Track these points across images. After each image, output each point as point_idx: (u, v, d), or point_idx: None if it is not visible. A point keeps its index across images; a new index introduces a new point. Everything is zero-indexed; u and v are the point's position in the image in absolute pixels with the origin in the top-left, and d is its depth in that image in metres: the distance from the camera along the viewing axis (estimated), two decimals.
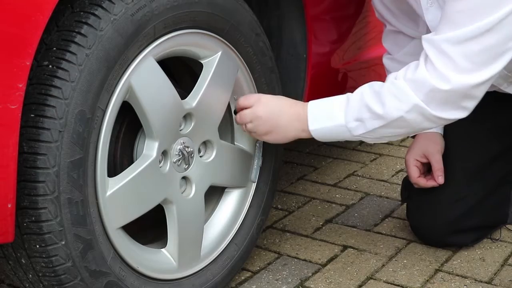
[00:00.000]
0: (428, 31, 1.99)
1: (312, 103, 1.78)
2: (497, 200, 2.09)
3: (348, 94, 1.76)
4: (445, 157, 2.04)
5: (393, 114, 1.68)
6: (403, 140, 2.87)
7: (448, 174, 2.03)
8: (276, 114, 1.77)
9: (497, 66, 1.63)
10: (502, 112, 2.07)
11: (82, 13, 1.44)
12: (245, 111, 1.78)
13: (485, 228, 2.11)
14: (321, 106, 1.77)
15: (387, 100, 1.68)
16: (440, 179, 2.01)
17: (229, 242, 1.86)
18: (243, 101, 1.79)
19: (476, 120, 2.05)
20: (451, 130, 2.07)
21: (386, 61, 2.13)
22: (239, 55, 1.77)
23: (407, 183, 2.15)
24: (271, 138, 1.80)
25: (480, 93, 1.67)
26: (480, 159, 2.05)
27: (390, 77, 1.72)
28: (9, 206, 1.35)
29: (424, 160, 2.04)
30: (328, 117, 1.75)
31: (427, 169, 2.06)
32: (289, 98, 1.82)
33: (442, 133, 2.07)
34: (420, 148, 2.05)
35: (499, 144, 2.06)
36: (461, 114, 1.70)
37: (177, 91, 1.64)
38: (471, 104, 1.68)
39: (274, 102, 1.80)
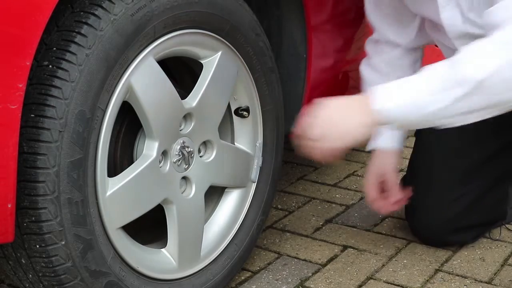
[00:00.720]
0: (418, 35, 2.00)
1: (380, 85, 1.57)
2: (495, 197, 2.09)
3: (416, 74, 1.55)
4: (441, 157, 2.04)
5: (475, 76, 1.45)
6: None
7: (445, 172, 2.03)
8: (336, 121, 1.57)
9: None
10: None
11: (82, 13, 1.44)
12: (306, 130, 1.59)
13: (484, 225, 2.11)
14: (391, 85, 1.55)
15: (470, 60, 1.47)
16: (396, 207, 2.02)
17: (229, 242, 1.86)
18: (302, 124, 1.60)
19: None
20: (445, 130, 2.06)
21: (363, 67, 2.08)
22: (239, 55, 1.77)
23: (405, 183, 2.15)
24: (340, 145, 1.58)
25: None
26: (477, 156, 2.05)
27: (460, 52, 1.51)
28: (9, 206, 1.35)
29: (382, 179, 2.06)
30: (399, 93, 1.52)
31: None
32: (345, 98, 1.62)
33: (403, 147, 2.06)
34: (378, 167, 2.07)
35: (496, 141, 2.06)
36: None
37: (177, 91, 1.64)
38: None
39: (329, 110, 1.59)
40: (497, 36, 1.48)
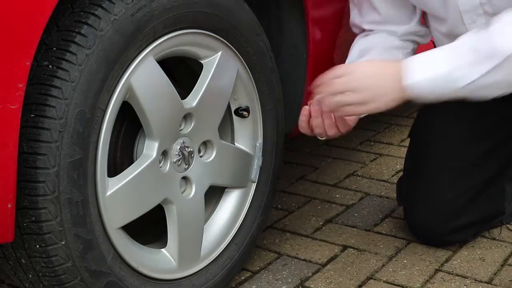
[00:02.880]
0: (417, 23, 1.96)
1: (409, 58, 1.60)
2: (493, 194, 2.09)
3: (449, 44, 1.57)
4: (438, 156, 2.04)
5: (508, 48, 1.47)
6: (403, 140, 2.87)
7: (442, 173, 2.03)
8: (373, 79, 1.58)
9: None
10: (493, 108, 2.06)
11: (82, 13, 1.44)
12: (336, 80, 1.58)
13: (483, 222, 2.10)
14: (421, 57, 1.58)
15: (501, 33, 1.48)
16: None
17: (229, 242, 1.86)
18: (330, 74, 1.60)
19: (467, 116, 2.05)
20: (442, 128, 2.06)
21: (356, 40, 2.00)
22: (239, 55, 1.77)
23: (402, 184, 2.15)
24: (372, 107, 1.61)
25: None
26: (474, 154, 2.04)
27: (491, 24, 1.52)
28: (9, 206, 1.35)
29: None
30: (429, 67, 1.55)
31: None
32: (379, 60, 1.65)
33: None
34: None
35: (492, 139, 2.05)
36: None
37: (177, 91, 1.64)
38: None
39: (367, 67, 1.62)
40: None
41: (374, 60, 1.69)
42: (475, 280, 1.94)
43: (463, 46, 1.53)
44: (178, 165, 1.68)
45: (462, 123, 2.03)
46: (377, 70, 1.62)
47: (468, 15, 1.81)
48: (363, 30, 2.00)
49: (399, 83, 1.58)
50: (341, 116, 1.71)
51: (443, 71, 1.54)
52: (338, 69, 1.65)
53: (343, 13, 2.08)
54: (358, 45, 1.97)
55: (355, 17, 2.00)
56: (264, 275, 1.97)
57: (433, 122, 2.07)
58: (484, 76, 1.51)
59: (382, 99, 1.60)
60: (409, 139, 2.20)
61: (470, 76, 1.52)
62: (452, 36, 1.82)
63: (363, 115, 1.75)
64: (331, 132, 1.73)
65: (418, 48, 2.06)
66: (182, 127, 1.69)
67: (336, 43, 2.05)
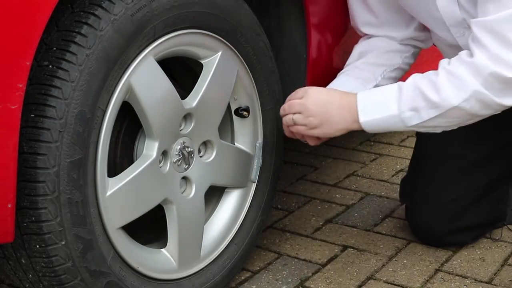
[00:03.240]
0: (418, 28, 1.97)
1: (362, 94, 1.73)
2: (495, 197, 2.09)
3: (400, 83, 1.71)
4: (441, 155, 2.04)
5: (450, 102, 1.64)
6: (403, 140, 2.87)
7: (445, 173, 2.03)
8: (326, 107, 1.73)
9: None
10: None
11: (82, 13, 1.44)
12: (294, 101, 1.74)
13: (484, 226, 2.10)
14: (372, 97, 1.72)
15: (444, 87, 1.64)
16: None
17: (229, 242, 1.86)
18: (291, 95, 1.76)
19: None
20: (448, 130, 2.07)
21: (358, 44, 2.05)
22: (239, 55, 1.77)
23: (405, 183, 2.15)
24: (321, 132, 1.76)
25: None
26: (477, 156, 2.05)
27: (443, 63, 1.68)
28: (9, 206, 1.35)
29: None
30: (380, 108, 1.70)
31: None
32: (338, 90, 1.78)
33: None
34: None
35: (496, 141, 2.06)
36: None
37: (177, 91, 1.64)
38: None
39: (323, 94, 1.76)
40: (470, 62, 1.63)
41: (334, 89, 1.80)
42: (475, 280, 1.94)
43: (414, 89, 1.66)
44: (178, 165, 1.68)
45: (468, 126, 2.04)
46: (332, 99, 1.74)
47: (455, 29, 1.82)
48: (365, 34, 2.02)
49: (352, 116, 1.72)
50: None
51: (392, 113, 1.69)
52: (300, 91, 1.77)
53: (344, 13, 2.08)
54: (358, 47, 2.02)
55: (353, 18, 2.01)
56: (264, 275, 1.97)
57: None
58: (430, 120, 1.68)
59: (332, 127, 1.75)
60: (409, 139, 2.20)
61: (416, 119, 1.68)
62: (454, 47, 1.83)
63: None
64: (309, 141, 1.84)
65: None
66: (182, 127, 1.69)
67: (340, 43, 2.08)
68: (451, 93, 1.64)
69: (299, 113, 1.75)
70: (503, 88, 1.64)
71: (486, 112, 1.69)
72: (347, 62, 1.99)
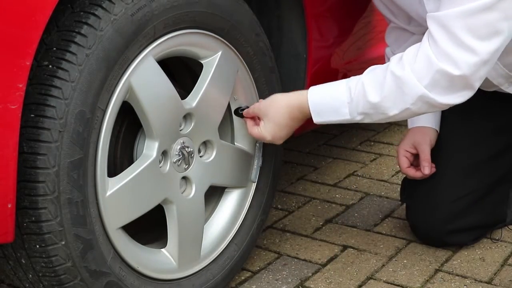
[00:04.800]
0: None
1: (312, 96, 1.76)
2: (496, 199, 2.09)
3: (349, 84, 1.74)
4: (443, 155, 2.05)
5: (398, 107, 1.69)
6: None
7: (446, 173, 2.03)
8: (283, 126, 1.79)
9: (494, 43, 1.63)
10: (501, 112, 2.07)
11: (82, 13, 1.44)
12: (253, 131, 1.80)
13: (484, 227, 2.11)
14: (324, 100, 1.76)
15: (391, 95, 1.68)
16: (426, 170, 2.02)
17: (229, 242, 1.86)
18: (250, 114, 1.81)
19: (475, 118, 2.06)
20: (449, 128, 2.07)
21: (388, 52, 2.12)
22: (239, 55, 1.77)
23: (406, 183, 2.15)
24: (279, 140, 1.82)
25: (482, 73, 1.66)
26: (478, 157, 2.05)
27: (393, 60, 1.71)
28: (9, 206, 1.35)
29: (414, 151, 2.05)
30: (332, 112, 1.75)
31: (418, 162, 2.07)
32: (287, 100, 1.80)
33: (438, 129, 2.08)
34: (411, 139, 2.06)
35: (497, 143, 2.06)
36: (467, 94, 1.68)
37: (177, 91, 1.64)
38: (477, 84, 1.67)
39: (278, 118, 1.78)
40: (394, 69, 1.68)
41: (287, 94, 1.83)
42: (475, 280, 1.94)
43: (363, 97, 1.71)
44: (178, 165, 1.68)
45: (466, 125, 2.03)
46: (286, 117, 1.78)
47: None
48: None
49: (305, 115, 1.78)
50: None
51: (345, 118, 1.75)
52: (269, 97, 1.81)
53: (344, 13, 2.09)
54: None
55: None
56: (264, 275, 1.97)
57: None
58: (381, 120, 1.75)
59: (289, 131, 1.80)
60: None
61: (368, 119, 1.74)
62: None
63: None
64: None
65: None
66: (182, 127, 1.69)
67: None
68: (398, 99, 1.68)
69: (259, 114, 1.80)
70: (448, 86, 1.65)
71: (434, 110, 1.73)
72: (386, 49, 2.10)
